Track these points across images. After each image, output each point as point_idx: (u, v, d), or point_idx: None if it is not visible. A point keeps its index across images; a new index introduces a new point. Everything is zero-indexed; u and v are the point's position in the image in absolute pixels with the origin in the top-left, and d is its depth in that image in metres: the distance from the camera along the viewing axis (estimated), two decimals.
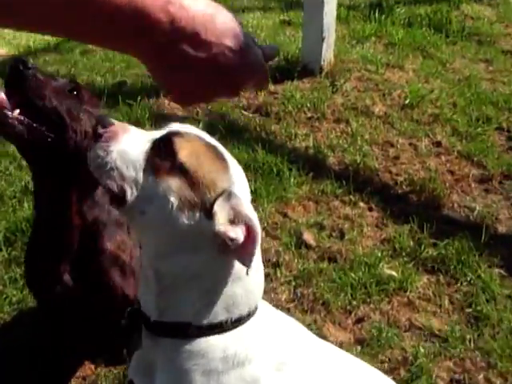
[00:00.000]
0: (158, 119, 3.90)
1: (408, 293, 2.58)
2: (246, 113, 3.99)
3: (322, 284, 2.60)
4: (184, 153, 1.21)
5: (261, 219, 2.81)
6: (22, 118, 1.63)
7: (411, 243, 2.83)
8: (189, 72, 0.90)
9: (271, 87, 4.27)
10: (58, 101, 1.69)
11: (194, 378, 1.23)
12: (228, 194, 1.22)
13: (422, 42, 5.10)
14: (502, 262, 2.75)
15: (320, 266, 2.70)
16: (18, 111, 1.63)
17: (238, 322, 1.26)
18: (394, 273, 2.65)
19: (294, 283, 2.63)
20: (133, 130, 1.27)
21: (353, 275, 2.62)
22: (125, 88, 4.39)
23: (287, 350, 1.33)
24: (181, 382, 1.25)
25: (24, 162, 3.38)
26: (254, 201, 2.96)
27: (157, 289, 1.25)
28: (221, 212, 1.20)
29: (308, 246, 2.82)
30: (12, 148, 3.53)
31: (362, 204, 3.12)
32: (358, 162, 3.42)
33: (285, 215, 3.03)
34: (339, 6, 5.58)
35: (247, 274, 1.19)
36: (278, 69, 4.47)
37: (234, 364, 1.24)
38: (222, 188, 1.23)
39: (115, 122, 1.25)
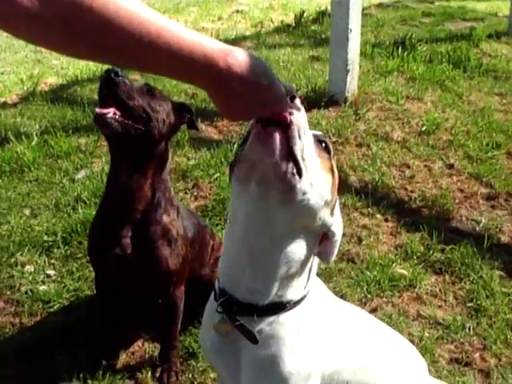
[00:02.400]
0: (197, 141, 4.34)
1: (417, 289, 2.92)
2: None
3: (341, 280, 2.95)
4: (332, 154, 1.46)
5: None
6: (117, 117, 2.05)
7: (421, 248, 3.18)
8: (237, 101, 1.27)
9: None
10: (142, 99, 2.11)
11: (286, 342, 1.48)
12: (337, 198, 1.51)
13: (441, 76, 5.48)
14: (503, 265, 3.08)
15: (340, 266, 3.06)
16: (112, 111, 2.04)
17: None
18: (405, 272, 3.00)
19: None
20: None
21: (368, 273, 2.98)
22: None
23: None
24: (275, 350, 1.48)
25: (74, 175, 3.84)
26: None
27: (270, 278, 1.43)
28: (336, 213, 1.51)
29: None
30: (65, 164, 3.98)
31: (378, 216, 3.48)
32: (377, 180, 3.79)
33: None
34: (365, 43, 6.05)
35: (329, 262, 1.53)
36: (306, 99, 4.88)
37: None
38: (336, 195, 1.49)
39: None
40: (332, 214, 1.48)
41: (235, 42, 6.84)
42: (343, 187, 3.66)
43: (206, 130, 4.60)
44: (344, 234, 3.17)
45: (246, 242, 1.41)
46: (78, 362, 2.49)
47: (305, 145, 1.35)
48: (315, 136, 1.44)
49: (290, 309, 1.48)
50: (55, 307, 2.83)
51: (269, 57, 6.10)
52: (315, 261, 1.53)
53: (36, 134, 4.39)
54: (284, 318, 1.48)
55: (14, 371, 2.48)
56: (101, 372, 2.43)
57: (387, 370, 1.75)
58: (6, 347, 2.60)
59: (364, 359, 1.69)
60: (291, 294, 1.48)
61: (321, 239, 1.49)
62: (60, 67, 6.50)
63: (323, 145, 1.44)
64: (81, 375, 2.42)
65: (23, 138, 4.31)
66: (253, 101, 1.27)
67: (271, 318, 1.47)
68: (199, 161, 4.07)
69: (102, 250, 2.30)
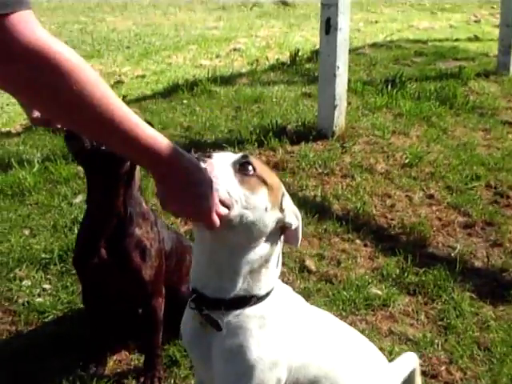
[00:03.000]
0: None
1: (390, 308, 3.09)
2: None
3: (319, 299, 3.12)
4: (259, 169, 1.61)
5: None
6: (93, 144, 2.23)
7: (397, 271, 3.35)
8: (171, 196, 1.45)
9: (289, 147, 4.89)
10: None
11: (253, 334, 1.66)
12: (283, 194, 1.69)
13: (428, 112, 5.70)
14: (474, 287, 3.24)
15: (318, 286, 3.23)
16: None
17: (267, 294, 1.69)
18: (379, 292, 3.17)
19: None
20: (216, 158, 1.58)
21: (345, 293, 3.15)
22: None
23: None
24: (242, 340, 1.65)
25: (72, 200, 4.04)
26: None
27: (235, 277, 1.62)
28: (286, 206, 1.68)
29: (309, 271, 3.36)
30: (64, 189, 4.18)
31: (358, 241, 3.66)
32: (359, 208, 3.98)
33: (291, 247, 3.58)
34: (356, 81, 6.32)
35: (297, 246, 1.76)
36: (295, 132, 5.13)
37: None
38: (282, 190, 1.70)
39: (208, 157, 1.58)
40: (281, 210, 1.66)
41: (232, 78, 7.10)
42: (325, 214, 3.87)
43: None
44: (323, 257, 3.39)
45: (210, 258, 1.62)
46: (69, 367, 2.67)
47: (227, 185, 1.53)
48: (236, 162, 1.60)
49: (256, 303, 1.66)
50: (50, 317, 3.01)
51: (263, 93, 6.35)
52: (279, 256, 1.73)
53: (37, 161, 4.61)
54: (250, 311, 1.66)
55: (10, 373, 2.66)
56: (89, 377, 2.60)
57: (352, 367, 1.93)
58: (3, 351, 2.79)
59: (330, 355, 1.87)
60: (256, 289, 1.66)
61: (284, 230, 1.70)
62: None
63: (247, 165, 1.61)
64: (71, 379, 2.58)
65: (25, 164, 4.53)
66: (183, 202, 1.46)
67: (238, 311, 1.65)
68: None
69: (82, 260, 2.54)
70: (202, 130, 5.41)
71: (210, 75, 6.93)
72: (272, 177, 1.67)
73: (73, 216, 3.85)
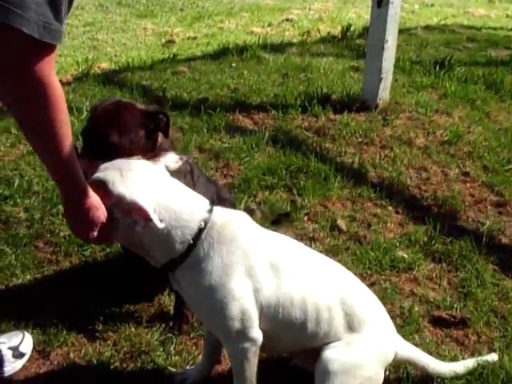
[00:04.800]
0: (232, 128, 4.67)
1: (415, 272, 3.19)
2: (306, 132, 4.70)
3: (347, 257, 3.24)
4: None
5: (305, 207, 3.50)
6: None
7: (424, 238, 3.45)
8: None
9: (331, 115, 4.98)
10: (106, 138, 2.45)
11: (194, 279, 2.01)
12: (115, 201, 1.91)
13: (473, 96, 5.71)
14: (498, 261, 3.31)
15: (347, 245, 3.35)
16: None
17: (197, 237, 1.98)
18: (405, 255, 3.27)
19: (324, 254, 3.25)
20: None
21: (372, 253, 3.26)
22: (207, 103, 5.15)
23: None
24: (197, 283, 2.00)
25: None
26: (301, 195, 3.65)
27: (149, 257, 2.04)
28: (117, 211, 1.91)
29: (340, 230, 3.47)
30: None
31: (390, 208, 3.76)
32: (394, 177, 4.08)
33: (325, 207, 3.70)
34: (405, 59, 6.33)
35: (161, 226, 1.91)
36: (339, 102, 5.21)
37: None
38: (112, 199, 1.91)
39: None
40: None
41: (282, 47, 7.17)
42: (361, 180, 3.96)
43: (243, 120, 4.93)
44: (355, 219, 3.50)
45: None
46: (102, 296, 2.86)
47: None
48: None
49: (181, 261, 1.99)
50: (88, 251, 3.18)
51: (311, 63, 6.42)
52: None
53: (86, 109, 4.76)
54: (183, 266, 2.00)
55: (52, 298, 2.84)
56: (119, 311, 2.79)
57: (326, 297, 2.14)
58: (43, 277, 2.96)
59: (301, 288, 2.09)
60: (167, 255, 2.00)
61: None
62: (114, 54, 6.90)
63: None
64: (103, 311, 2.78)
65: (74, 111, 4.68)
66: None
67: (179, 268, 2.01)
68: (232, 145, 4.39)
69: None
70: (248, 92, 5.52)
71: (260, 42, 7.02)
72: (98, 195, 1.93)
73: None
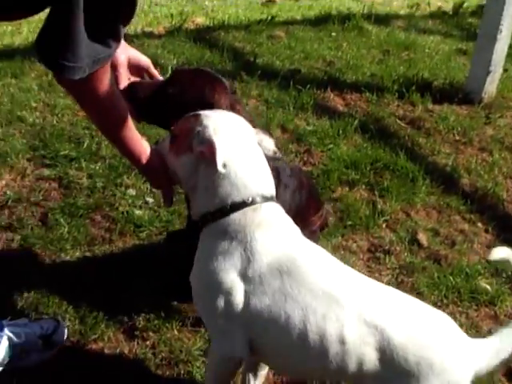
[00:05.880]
0: (321, 108, 4.36)
1: (497, 308, 2.85)
2: (399, 122, 4.34)
3: (422, 278, 2.93)
4: (174, 127, 1.98)
5: (385, 213, 3.19)
6: None
7: None
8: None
9: (430, 105, 4.60)
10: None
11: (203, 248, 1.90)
12: (197, 133, 1.84)
13: None
14: None
15: (425, 264, 3.03)
16: None
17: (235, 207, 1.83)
18: (489, 287, 2.93)
19: (397, 271, 2.97)
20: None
21: (451, 279, 2.93)
22: (298, 76, 4.85)
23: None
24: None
25: None
26: (383, 196, 3.34)
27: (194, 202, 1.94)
28: (195, 144, 1.84)
29: (420, 245, 3.16)
30: None
31: (479, 224, 3.40)
32: (489, 188, 3.69)
33: (408, 215, 3.38)
34: None
35: (221, 170, 1.78)
36: (440, 90, 4.80)
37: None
38: (193, 132, 1.85)
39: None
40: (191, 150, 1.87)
41: (387, 18, 6.73)
42: (452, 187, 3.61)
43: (334, 99, 4.61)
44: (438, 234, 3.17)
45: None
46: (149, 288, 2.67)
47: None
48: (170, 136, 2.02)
49: (209, 220, 1.87)
50: (144, 233, 2.98)
51: (416, 40, 5.99)
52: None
53: (171, 68, 4.53)
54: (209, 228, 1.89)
55: (97, 283, 2.67)
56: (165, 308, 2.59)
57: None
58: (93, 257, 2.81)
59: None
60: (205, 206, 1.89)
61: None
62: (211, 9, 6.62)
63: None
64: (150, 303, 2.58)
65: (158, 69, 4.45)
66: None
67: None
68: (317, 128, 4.09)
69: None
70: (344, 67, 5.17)
71: (365, 11, 6.60)
72: (179, 124, 1.95)
73: None
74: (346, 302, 1.74)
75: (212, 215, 1.85)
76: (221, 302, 1.79)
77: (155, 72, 2.35)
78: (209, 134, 1.80)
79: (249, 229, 1.81)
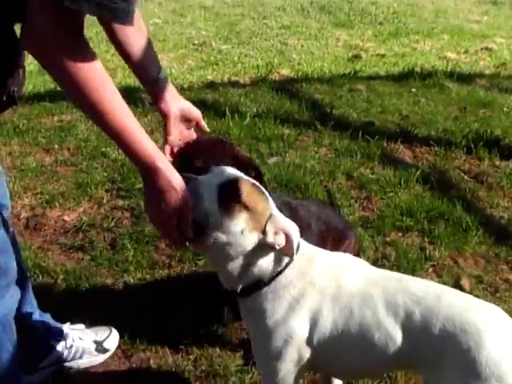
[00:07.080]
0: (388, 158, 4.58)
1: None
2: (463, 175, 4.49)
3: None
4: (245, 194, 1.75)
5: (433, 258, 3.35)
6: None
7: None
8: (151, 203, 1.75)
9: (497, 161, 4.72)
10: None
11: (264, 308, 1.88)
12: (270, 216, 1.80)
13: None
14: None
15: None
16: None
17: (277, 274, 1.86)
18: None
19: None
20: (204, 179, 1.80)
21: None
22: (371, 128, 5.09)
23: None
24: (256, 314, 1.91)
25: (267, 159, 4.24)
26: (433, 243, 3.49)
27: (230, 278, 1.87)
28: (269, 229, 1.78)
29: (462, 290, 3.28)
30: (264, 147, 4.41)
31: None
32: None
33: (455, 262, 3.52)
34: None
35: (292, 259, 1.82)
36: (510, 148, 4.91)
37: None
38: (267, 214, 1.80)
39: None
40: (264, 233, 1.78)
41: (470, 77, 6.88)
42: (504, 238, 3.72)
43: (402, 151, 4.82)
44: (482, 281, 3.30)
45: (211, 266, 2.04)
46: (200, 309, 2.96)
47: (206, 207, 1.73)
48: (224, 184, 1.76)
49: (264, 286, 1.86)
50: (202, 261, 3.30)
51: (495, 99, 6.11)
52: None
53: (250, 116, 4.89)
54: (262, 292, 1.87)
55: (153, 301, 2.98)
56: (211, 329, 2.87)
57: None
58: (152, 279, 3.16)
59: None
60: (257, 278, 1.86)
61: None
62: (297, 62, 7.00)
63: (234, 189, 1.75)
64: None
65: (237, 116, 4.82)
66: (150, 213, 1.80)
67: (252, 295, 1.88)
68: (380, 176, 4.31)
69: None
70: (418, 122, 5.38)
71: (448, 69, 6.79)
72: (258, 202, 1.79)
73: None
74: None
75: (269, 280, 1.86)
76: (293, 348, 1.86)
77: (204, 125, 2.35)
78: (282, 225, 1.80)
79: (305, 269, 1.88)
